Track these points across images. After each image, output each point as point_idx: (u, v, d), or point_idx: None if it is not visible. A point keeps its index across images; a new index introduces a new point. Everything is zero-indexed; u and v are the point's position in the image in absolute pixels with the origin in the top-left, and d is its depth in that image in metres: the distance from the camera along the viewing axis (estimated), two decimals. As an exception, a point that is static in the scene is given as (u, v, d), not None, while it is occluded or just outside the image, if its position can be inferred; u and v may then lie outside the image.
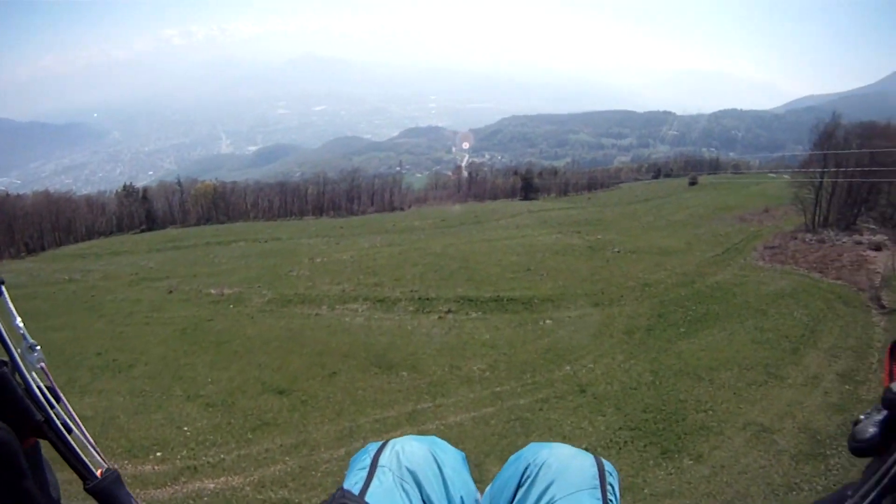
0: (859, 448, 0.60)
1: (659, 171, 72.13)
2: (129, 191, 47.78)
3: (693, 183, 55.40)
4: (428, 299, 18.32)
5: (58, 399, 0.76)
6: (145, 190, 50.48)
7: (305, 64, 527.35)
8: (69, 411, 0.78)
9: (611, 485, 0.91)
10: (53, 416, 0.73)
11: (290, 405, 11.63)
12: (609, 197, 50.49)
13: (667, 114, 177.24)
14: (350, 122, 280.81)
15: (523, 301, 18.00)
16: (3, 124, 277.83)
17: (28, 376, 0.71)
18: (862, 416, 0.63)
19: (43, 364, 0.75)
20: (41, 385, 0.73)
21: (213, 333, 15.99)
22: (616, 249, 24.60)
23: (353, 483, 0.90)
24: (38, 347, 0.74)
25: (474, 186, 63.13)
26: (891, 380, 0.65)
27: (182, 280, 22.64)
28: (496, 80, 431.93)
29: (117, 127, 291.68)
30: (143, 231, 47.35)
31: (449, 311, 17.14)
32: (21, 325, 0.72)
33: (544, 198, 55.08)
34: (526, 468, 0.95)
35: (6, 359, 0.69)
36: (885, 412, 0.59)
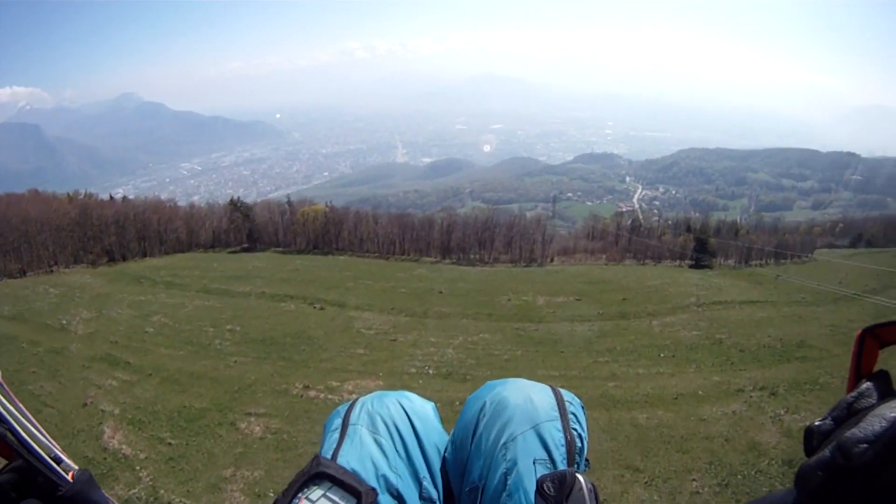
0: (806, 493, 0.53)
1: (859, 237, 60.21)
2: (236, 205, 44.21)
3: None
4: None
5: (13, 404, 0.69)
6: (248, 207, 47.31)
7: (486, 83, 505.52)
8: (27, 416, 0.71)
9: (573, 413, 0.87)
10: (15, 424, 0.66)
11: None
12: (804, 276, 33.61)
13: (850, 155, 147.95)
14: (526, 142, 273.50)
15: None
16: (188, 116, 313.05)
17: None
18: (814, 426, 0.56)
19: None
20: None
21: None
22: None
23: (327, 448, 0.84)
24: None
25: (635, 240, 50.98)
26: (856, 378, 0.59)
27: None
28: (671, 109, 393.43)
29: (298, 129, 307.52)
30: (243, 251, 43.94)
31: None
32: None
33: (720, 267, 42.42)
34: (482, 407, 0.91)
35: None
36: (829, 454, 0.51)
